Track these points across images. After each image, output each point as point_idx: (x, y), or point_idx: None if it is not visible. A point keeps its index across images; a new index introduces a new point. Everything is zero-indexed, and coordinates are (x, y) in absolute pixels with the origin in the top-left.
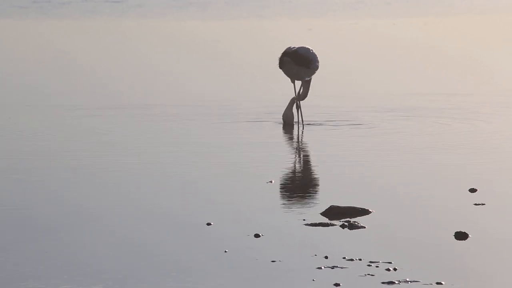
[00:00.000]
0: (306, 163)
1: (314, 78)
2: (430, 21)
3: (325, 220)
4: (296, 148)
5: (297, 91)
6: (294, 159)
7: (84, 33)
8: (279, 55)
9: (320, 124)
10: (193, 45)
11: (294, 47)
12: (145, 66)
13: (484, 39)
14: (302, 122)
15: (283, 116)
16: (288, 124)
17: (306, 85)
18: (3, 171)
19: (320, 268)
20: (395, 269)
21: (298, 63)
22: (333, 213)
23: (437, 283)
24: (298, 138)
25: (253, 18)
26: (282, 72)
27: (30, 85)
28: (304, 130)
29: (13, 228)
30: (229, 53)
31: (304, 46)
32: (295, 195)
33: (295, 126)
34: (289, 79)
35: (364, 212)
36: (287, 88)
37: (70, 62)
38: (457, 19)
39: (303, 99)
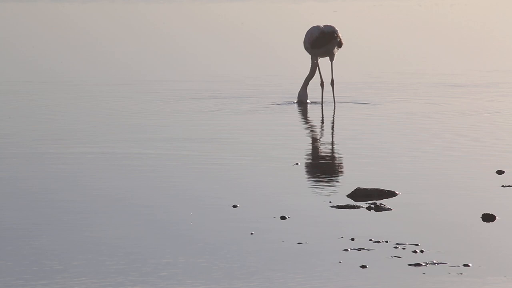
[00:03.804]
0: (332, 144)
1: (349, 56)
2: (456, 2)
3: (351, 202)
4: (323, 130)
5: (318, 70)
6: (320, 141)
7: (116, 15)
8: (319, 34)
9: (345, 102)
10: (219, 26)
11: (329, 26)
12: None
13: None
14: (334, 102)
15: (298, 95)
16: (302, 102)
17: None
18: (28, 154)
19: (346, 250)
20: (422, 251)
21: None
22: (359, 195)
23: (464, 265)
24: (324, 119)
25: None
26: (311, 51)
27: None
28: (331, 110)
29: (42, 211)
30: (260, 34)
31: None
32: (321, 177)
33: (320, 106)
34: (310, 59)
35: (390, 194)
36: (307, 69)
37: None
38: (483, 0)
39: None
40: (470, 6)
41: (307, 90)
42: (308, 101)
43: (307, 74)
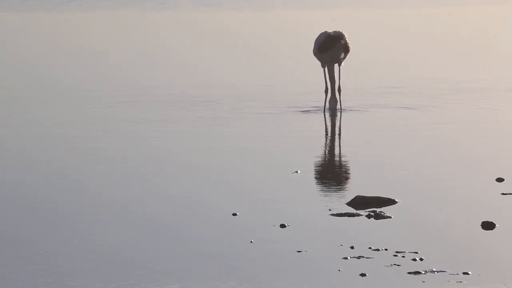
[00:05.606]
0: (332, 152)
1: (356, 65)
2: (455, 10)
3: (351, 210)
4: (323, 137)
5: (328, 76)
6: (319, 149)
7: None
8: (326, 38)
9: (349, 110)
10: (221, 35)
11: (338, 31)
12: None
13: None
14: (340, 108)
15: (329, 105)
16: (333, 110)
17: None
18: (29, 162)
19: (346, 258)
20: (421, 259)
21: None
22: (359, 203)
23: (464, 273)
24: (324, 127)
25: (279, 9)
26: (319, 56)
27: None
28: (334, 117)
29: (42, 218)
30: (258, 41)
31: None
32: (320, 185)
33: (322, 113)
34: (319, 64)
35: (390, 202)
36: (309, 76)
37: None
38: (480, 8)
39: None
40: (469, 14)
41: (336, 96)
42: (338, 107)
43: (330, 84)
